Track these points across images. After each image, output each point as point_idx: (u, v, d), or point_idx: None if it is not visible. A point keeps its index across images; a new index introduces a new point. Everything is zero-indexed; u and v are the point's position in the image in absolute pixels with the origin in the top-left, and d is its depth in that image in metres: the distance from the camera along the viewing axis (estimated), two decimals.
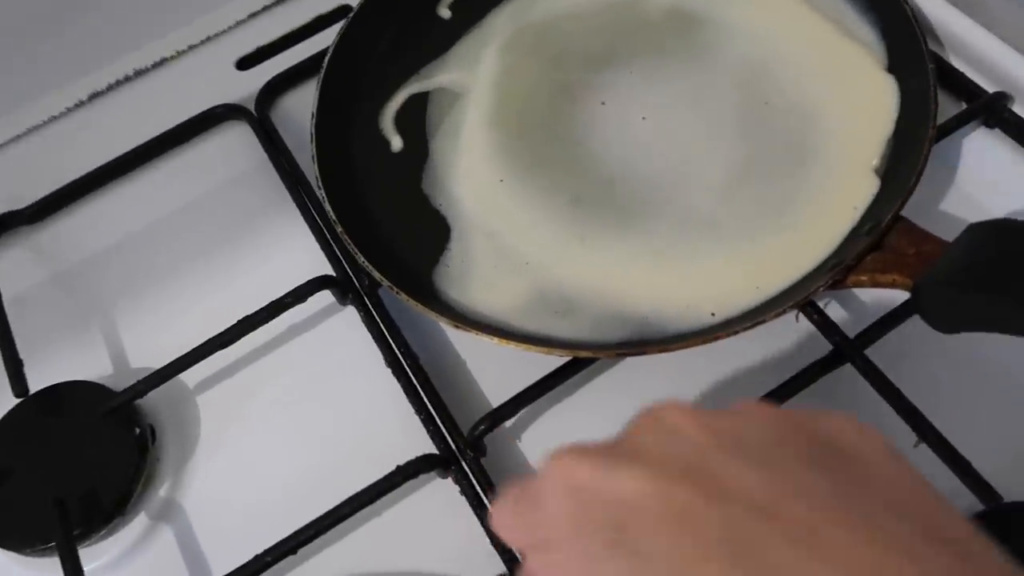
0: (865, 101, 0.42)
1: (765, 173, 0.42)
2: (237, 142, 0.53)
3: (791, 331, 0.40)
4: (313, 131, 0.45)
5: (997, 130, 0.45)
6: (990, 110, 0.44)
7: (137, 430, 0.42)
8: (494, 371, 0.42)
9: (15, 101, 0.55)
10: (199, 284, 0.48)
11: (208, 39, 0.58)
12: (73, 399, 0.43)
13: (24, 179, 0.53)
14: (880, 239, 0.36)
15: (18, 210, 0.51)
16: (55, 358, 0.46)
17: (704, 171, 0.42)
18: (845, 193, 0.40)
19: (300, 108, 0.53)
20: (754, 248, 0.39)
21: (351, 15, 0.50)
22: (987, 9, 0.45)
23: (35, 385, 0.43)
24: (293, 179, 0.49)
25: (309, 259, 0.46)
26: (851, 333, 0.38)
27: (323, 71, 0.48)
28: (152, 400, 0.43)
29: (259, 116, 0.52)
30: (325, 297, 0.45)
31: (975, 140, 0.45)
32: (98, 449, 0.42)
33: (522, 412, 0.40)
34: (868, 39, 0.45)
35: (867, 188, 0.40)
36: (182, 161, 0.53)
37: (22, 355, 0.44)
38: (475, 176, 0.44)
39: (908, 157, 0.40)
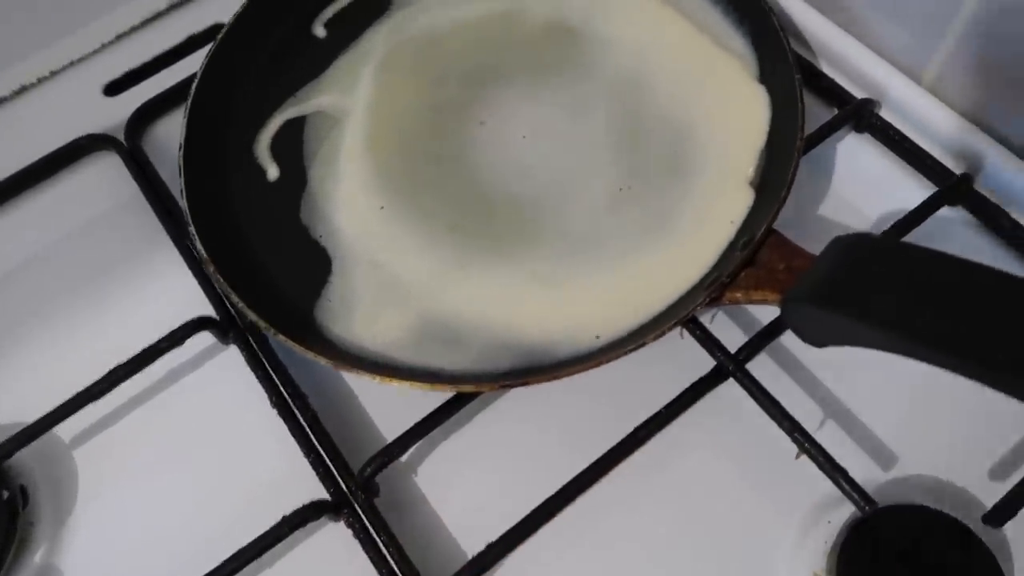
0: (738, 112, 0.43)
1: (643, 189, 0.42)
2: (106, 174, 0.50)
3: (677, 348, 0.40)
4: (181, 163, 0.43)
5: (867, 135, 0.46)
6: (859, 116, 0.45)
7: (6, 493, 0.39)
8: (387, 405, 0.41)
9: None
10: (71, 330, 0.45)
11: (72, 63, 0.55)
12: None
13: None
14: (754, 254, 0.37)
15: None
16: None
17: (583, 190, 0.42)
18: (721, 207, 0.40)
19: (173, 135, 0.50)
20: (635, 268, 0.39)
21: (220, 35, 0.48)
22: (855, 18, 0.47)
23: None
24: (166, 212, 0.47)
25: (188, 297, 0.44)
26: (736, 346, 0.39)
27: (191, 96, 0.45)
28: (22, 459, 0.41)
29: (129, 146, 0.50)
30: (206, 338, 0.43)
31: (847, 145, 0.47)
32: None
33: (414, 447, 0.39)
34: (741, 50, 0.46)
35: (742, 201, 0.40)
36: (46, 197, 0.50)
37: None
38: (354, 204, 0.43)
39: (780, 168, 0.40)
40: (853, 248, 0.31)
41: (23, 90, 0.54)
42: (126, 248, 0.48)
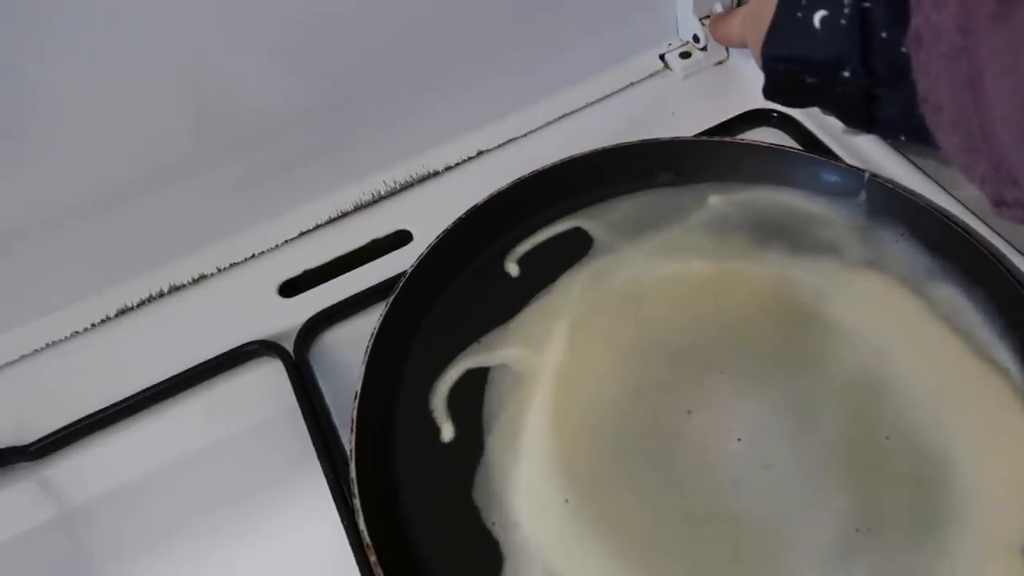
0: (1005, 452, 0.36)
1: (883, 537, 0.35)
2: (267, 381, 0.47)
3: None
4: (354, 419, 0.39)
5: None
6: None
7: None
8: None
9: (31, 314, 0.51)
10: (203, 550, 0.41)
11: (253, 256, 0.53)
12: None
13: (32, 406, 0.48)
14: None
15: (21, 446, 0.46)
16: None
17: (808, 524, 0.35)
18: None
19: (343, 347, 0.48)
20: None
21: (413, 265, 0.45)
22: None
23: None
24: (321, 437, 0.43)
25: (328, 535, 0.39)
26: None
27: (373, 338, 0.42)
28: None
29: (297, 359, 0.47)
30: None
31: None
32: None
33: None
34: (1006, 363, 0.39)
35: None
36: (202, 400, 0.47)
37: None
38: (535, 493, 0.37)
39: None
40: None
41: (201, 279, 0.53)
42: (272, 468, 0.44)
